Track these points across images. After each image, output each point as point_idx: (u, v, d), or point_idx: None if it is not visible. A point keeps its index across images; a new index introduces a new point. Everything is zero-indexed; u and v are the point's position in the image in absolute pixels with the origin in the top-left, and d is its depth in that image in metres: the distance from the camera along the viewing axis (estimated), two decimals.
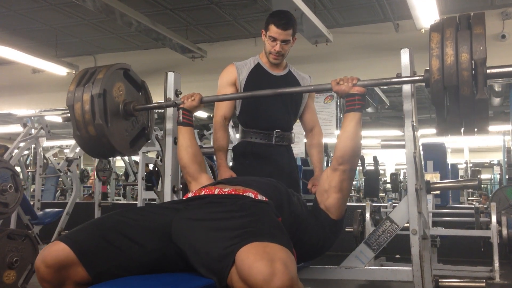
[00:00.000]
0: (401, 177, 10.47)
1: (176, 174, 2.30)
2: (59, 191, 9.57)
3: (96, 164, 7.07)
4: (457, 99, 1.65)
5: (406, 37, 5.89)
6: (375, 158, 8.19)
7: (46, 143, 5.79)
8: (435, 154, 5.88)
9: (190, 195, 1.79)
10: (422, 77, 1.81)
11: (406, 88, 1.98)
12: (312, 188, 2.58)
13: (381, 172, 11.95)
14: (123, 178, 10.19)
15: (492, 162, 11.96)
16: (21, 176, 5.19)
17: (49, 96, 7.77)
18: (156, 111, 2.53)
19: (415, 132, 1.93)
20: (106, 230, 1.49)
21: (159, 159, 6.39)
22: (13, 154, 5.16)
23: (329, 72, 6.32)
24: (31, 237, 3.46)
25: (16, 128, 9.01)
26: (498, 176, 10.79)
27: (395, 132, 11.48)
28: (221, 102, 2.54)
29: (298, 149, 6.30)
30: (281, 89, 2.25)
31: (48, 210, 5.36)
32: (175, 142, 2.28)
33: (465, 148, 11.90)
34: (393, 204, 6.09)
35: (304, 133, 2.76)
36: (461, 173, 10.90)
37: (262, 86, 2.53)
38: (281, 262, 1.22)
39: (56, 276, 1.40)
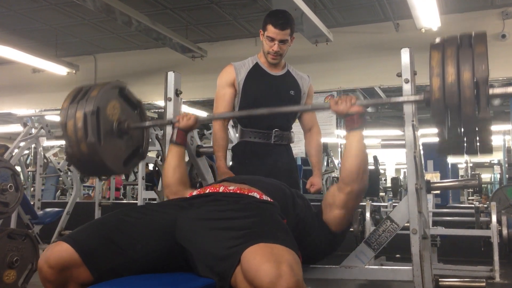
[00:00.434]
0: (401, 176, 10.48)
1: None
2: (59, 190, 9.57)
3: None
4: (459, 118, 1.61)
5: (406, 36, 5.89)
6: (375, 158, 8.18)
7: (46, 143, 5.79)
8: (435, 154, 5.88)
9: (194, 193, 1.78)
10: (422, 98, 1.78)
11: (406, 87, 1.98)
12: (311, 188, 2.59)
13: (382, 171, 11.95)
14: (123, 177, 10.20)
15: (492, 162, 11.95)
16: (21, 176, 5.19)
17: (49, 95, 7.78)
18: (157, 110, 2.51)
19: (416, 132, 1.93)
20: (109, 230, 1.49)
21: (159, 158, 6.39)
22: (13, 154, 5.16)
23: (329, 72, 6.34)
24: (31, 236, 3.46)
25: (16, 127, 9.01)
26: (498, 176, 10.78)
27: (395, 132, 11.48)
28: (220, 102, 2.54)
29: (299, 148, 6.30)
30: (278, 108, 2.25)
31: (48, 209, 5.36)
32: None
33: None
34: (393, 204, 6.09)
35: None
36: (461, 172, 10.90)
37: (260, 86, 2.54)
38: (288, 265, 1.22)
39: (59, 276, 1.40)
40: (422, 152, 2.16)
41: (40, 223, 5.04)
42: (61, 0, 5.67)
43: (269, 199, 1.68)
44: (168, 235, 1.49)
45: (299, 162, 7.60)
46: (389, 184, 12.30)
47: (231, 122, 5.34)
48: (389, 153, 12.74)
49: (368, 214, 4.64)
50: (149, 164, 7.73)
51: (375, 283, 3.92)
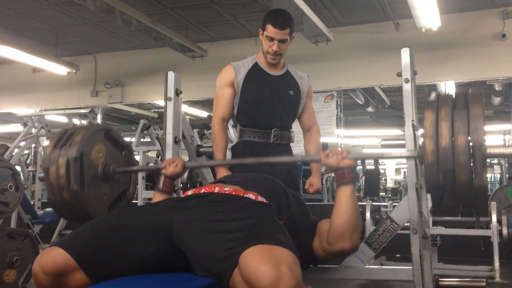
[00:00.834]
0: (402, 176, 10.49)
1: None
2: None
3: None
4: (453, 183, 1.54)
5: (407, 36, 5.89)
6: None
7: (46, 143, 5.78)
8: None
9: (189, 192, 1.75)
10: (416, 154, 1.74)
11: (407, 87, 1.98)
12: (310, 189, 2.59)
13: (381, 171, 11.96)
14: None
15: (492, 162, 11.96)
16: (21, 176, 5.18)
17: (50, 95, 7.78)
18: (157, 110, 2.51)
19: (416, 131, 1.93)
20: (104, 234, 1.46)
21: (159, 158, 6.39)
22: (14, 154, 5.16)
23: (329, 72, 6.33)
24: (31, 236, 3.46)
25: (17, 127, 9.00)
26: (498, 176, 10.79)
27: (395, 132, 11.48)
28: (219, 103, 2.55)
29: (299, 148, 6.26)
30: (268, 158, 2.16)
31: (48, 209, 5.35)
32: (175, 141, 2.27)
33: None
34: (394, 204, 6.09)
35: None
36: None
37: (259, 86, 2.54)
38: (287, 266, 1.22)
39: (54, 282, 1.38)
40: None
41: (40, 223, 5.04)
42: None
43: (264, 201, 1.67)
44: (165, 237, 1.47)
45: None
46: (389, 184, 12.32)
47: (231, 122, 5.34)
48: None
49: (368, 214, 4.64)
50: (149, 164, 7.73)
51: (375, 283, 3.92)
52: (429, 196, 1.80)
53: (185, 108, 8.46)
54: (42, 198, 5.43)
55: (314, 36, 5.51)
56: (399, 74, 1.99)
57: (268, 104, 2.52)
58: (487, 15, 5.81)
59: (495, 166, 10.77)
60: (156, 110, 10.00)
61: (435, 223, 4.85)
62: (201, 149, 2.59)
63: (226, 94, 2.53)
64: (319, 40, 5.63)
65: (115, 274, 1.41)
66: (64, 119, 7.24)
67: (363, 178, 9.56)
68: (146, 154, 5.64)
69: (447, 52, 5.89)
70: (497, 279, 4.18)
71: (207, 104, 8.91)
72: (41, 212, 5.20)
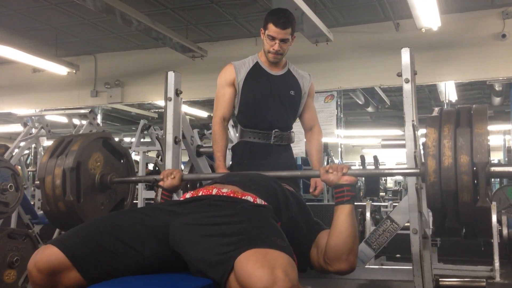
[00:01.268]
0: (402, 176, 10.46)
1: None
2: None
3: None
4: (456, 204, 1.50)
5: (407, 36, 5.89)
6: (375, 158, 8.17)
7: (46, 143, 5.78)
8: None
9: (188, 195, 1.73)
10: (418, 171, 1.71)
11: (407, 87, 1.98)
12: (315, 192, 2.56)
13: None
14: None
15: (492, 161, 11.94)
16: (21, 176, 5.17)
17: (50, 95, 7.78)
18: (157, 110, 2.51)
19: (416, 132, 1.93)
20: (100, 235, 1.45)
21: (159, 158, 6.39)
22: (14, 154, 5.16)
23: (329, 72, 6.33)
24: (31, 236, 3.46)
25: (17, 127, 8.99)
26: None
27: (395, 132, 11.48)
28: (220, 102, 2.54)
29: (299, 148, 6.29)
30: (268, 172, 2.09)
31: None
32: (175, 141, 2.27)
33: None
34: (394, 204, 6.09)
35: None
36: None
37: (260, 86, 2.53)
38: (282, 270, 1.20)
39: (48, 280, 1.38)
40: (422, 151, 2.16)
41: (40, 223, 5.04)
42: None
43: (263, 203, 1.64)
44: (162, 240, 1.46)
45: (299, 162, 7.59)
46: (389, 184, 12.31)
47: (231, 122, 5.34)
48: (389, 153, 12.73)
49: (368, 214, 4.64)
50: (149, 164, 7.74)
51: (375, 283, 3.92)
52: None
53: (185, 108, 8.46)
54: None
55: (314, 36, 5.51)
56: (399, 74, 1.99)
57: (269, 105, 2.52)
58: (487, 15, 5.81)
59: (494, 177, 10.73)
60: (156, 110, 10.00)
61: (434, 234, 4.84)
62: (201, 149, 2.59)
63: (227, 94, 2.52)
64: (319, 40, 5.63)
65: (111, 274, 1.40)
66: (64, 119, 7.25)
67: (363, 178, 9.55)
68: (146, 154, 5.63)
69: (447, 52, 5.89)
70: (497, 279, 4.18)
71: (207, 104, 8.90)
72: (41, 212, 5.19)
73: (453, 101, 7.45)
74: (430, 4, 4.70)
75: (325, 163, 8.64)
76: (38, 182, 1.95)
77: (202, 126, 8.28)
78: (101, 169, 2.03)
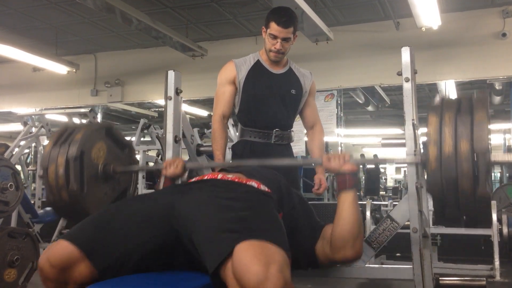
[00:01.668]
0: (402, 175, 10.49)
1: None
2: None
3: None
4: (456, 192, 1.52)
5: (407, 35, 5.88)
6: (375, 157, 8.18)
7: (46, 142, 5.79)
8: None
9: (193, 180, 1.79)
10: (419, 160, 1.73)
11: (407, 86, 1.97)
12: (320, 189, 2.56)
13: (382, 170, 11.96)
14: None
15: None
16: (21, 175, 5.18)
17: (50, 94, 7.78)
18: (157, 109, 2.51)
19: (416, 130, 1.93)
20: (106, 222, 1.51)
21: (159, 157, 6.39)
22: (14, 153, 5.16)
23: (329, 71, 6.33)
24: (31, 235, 3.46)
25: (17, 126, 9.00)
26: (498, 175, 10.78)
27: (395, 131, 11.48)
28: (220, 100, 2.53)
29: (299, 147, 6.29)
30: (270, 160, 2.14)
31: (48, 208, 5.34)
32: (175, 140, 2.27)
33: None
34: (394, 203, 6.09)
35: (305, 131, 2.76)
36: None
37: (261, 85, 2.52)
38: (277, 266, 1.23)
39: (60, 275, 1.41)
40: (422, 151, 2.15)
41: (40, 222, 5.05)
42: None
43: (267, 189, 1.68)
44: (166, 220, 1.50)
45: None
46: (389, 183, 12.33)
47: (231, 121, 5.35)
48: (390, 151, 12.74)
49: (368, 213, 4.63)
50: (149, 163, 7.74)
51: (376, 282, 3.92)
52: (429, 195, 1.79)
53: (185, 107, 8.47)
54: (42, 197, 5.43)
55: (314, 35, 5.50)
56: (400, 73, 1.98)
57: (270, 104, 2.51)
58: (487, 14, 5.81)
59: (495, 165, 10.76)
60: (156, 109, 10.00)
61: (435, 222, 4.85)
62: (201, 148, 2.59)
63: (227, 92, 2.51)
64: (319, 39, 5.63)
65: (119, 260, 1.44)
66: (64, 118, 7.25)
67: (363, 177, 9.56)
68: (146, 153, 5.64)
69: (448, 51, 5.88)
70: (497, 278, 4.18)
71: (207, 103, 8.90)
72: (41, 211, 5.20)
73: None
74: (430, 3, 4.70)
75: None
76: (42, 171, 1.94)
77: (202, 125, 8.28)
78: (104, 158, 2.03)
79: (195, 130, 5.70)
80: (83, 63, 7.33)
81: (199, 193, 1.57)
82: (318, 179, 2.55)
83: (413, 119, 1.92)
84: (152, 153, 6.42)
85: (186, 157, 2.44)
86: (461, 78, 6.23)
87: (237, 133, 2.66)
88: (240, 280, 1.22)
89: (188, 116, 5.57)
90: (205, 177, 1.75)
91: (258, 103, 2.51)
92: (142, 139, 6.41)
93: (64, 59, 7.03)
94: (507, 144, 8.87)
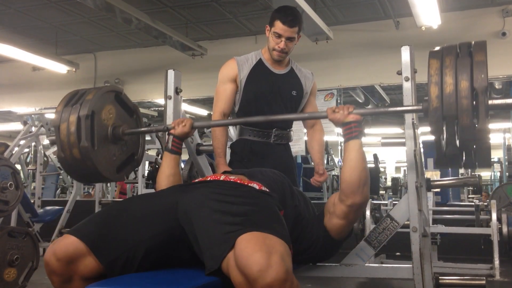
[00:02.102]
0: (401, 175, 10.48)
1: None
2: (59, 189, 9.57)
3: None
4: (456, 129, 1.57)
5: (407, 34, 5.88)
6: (375, 156, 8.18)
7: (46, 141, 5.79)
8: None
9: (196, 181, 1.83)
10: (421, 107, 1.76)
11: (407, 85, 1.98)
12: (321, 177, 2.55)
13: (382, 170, 11.96)
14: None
15: (492, 160, 11.96)
16: (21, 174, 5.18)
17: (49, 94, 7.77)
18: (157, 108, 2.51)
19: (416, 130, 1.93)
20: (112, 218, 1.54)
21: (159, 156, 6.39)
22: (14, 152, 5.16)
23: (329, 70, 6.33)
24: (31, 235, 3.46)
25: (17, 126, 9.01)
26: (498, 174, 10.78)
27: (395, 130, 11.49)
28: (220, 98, 2.52)
29: (298, 146, 6.30)
30: (275, 116, 2.22)
31: (48, 208, 5.36)
32: None
33: None
34: (394, 202, 6.09)
35: (305, 130, 2.75)
36: (461, 171, 10.90)
37: (262, 85, 2.52)
38: (279, 255, 1.26)
39: (66, 269, 1.43)
40: (422, 150, 2.16)
41: (40, 221, 5.05)
42: None
43: (268, 191, 1.71)
44: (171, 217, 1.53)
45: (299, 160, 7.60)
46: (389, 183, 12.32)
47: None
48: (389, 151, 12.75)
49: (368, 212, 4.64)
50: (149, 163, 7.74)
51: (375, 281, 3.92)
52: (429, 194, 1.79)
53: (185, 107, 8.46)
54: (42, 196, 5.44)
55: (314, 34, 5.50)
56: (399, 73, 1.99)
57: (270, 104, 2.50)
58: (487, 13, 5.81)
59: (495, 164, 10.77)
60: (156, 108, 10.00)
61: (435, 221, 4.85)
62: (201, 148, 2.58)
63: (228, 90, 2.50)
64: (319, 39, 5.62)
65: (124, 255, 1.46)
66: None
67: None
68: (146, 152, 5.63)
69: None
70: (497, 277, 4.18)
71: (207, 102, 8.90)
72: (41, 210, 5.21)
73: None
74: (430, 2, 4.70)
75: (325, 162, 8.65)
76: (53, 128, 1.99)
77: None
78: (114, 121, 2.08)
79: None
80: (83, 63, 7.33)
81: (202, 191, 1.60)
82: (316, 166, 2.53)
83: (413, 119, 1.93)
84: (152, 153, 6.42)
85: (186, 156, 2.45)
86: None
87: (237, 132, 2.66)
88: (243, 269, 1.24)
89: (188, 115, 5.58)
90: (208, 178, 1.79)
91: (259, 104, 2.50)
92: None
93: (64, 58, 7.04)
94: (506, 144, 8.87)
